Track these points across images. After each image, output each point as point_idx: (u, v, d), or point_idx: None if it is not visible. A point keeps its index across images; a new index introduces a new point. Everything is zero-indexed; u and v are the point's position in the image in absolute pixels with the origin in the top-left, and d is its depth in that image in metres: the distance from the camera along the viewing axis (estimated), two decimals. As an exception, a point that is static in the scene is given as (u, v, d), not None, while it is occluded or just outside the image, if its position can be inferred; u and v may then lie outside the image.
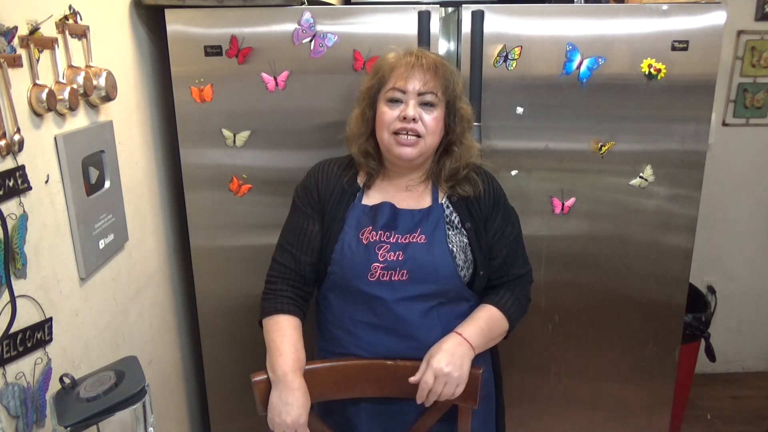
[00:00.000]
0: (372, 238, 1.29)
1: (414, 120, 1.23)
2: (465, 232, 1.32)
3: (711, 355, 2.33)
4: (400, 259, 1.27)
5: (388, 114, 1.26)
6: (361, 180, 1.36)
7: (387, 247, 1.28)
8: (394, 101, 1.26)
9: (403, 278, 1.28)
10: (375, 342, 1.32)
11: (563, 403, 1.86)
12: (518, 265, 1.38)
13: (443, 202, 1.33)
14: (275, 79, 1.56)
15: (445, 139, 1.31)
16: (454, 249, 1.30)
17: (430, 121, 1.25)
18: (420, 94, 1.24)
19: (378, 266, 1.28)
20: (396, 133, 1.25)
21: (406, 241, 1.29)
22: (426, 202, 1.34)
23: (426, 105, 1.25)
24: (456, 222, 1.32)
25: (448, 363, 1.23)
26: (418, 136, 1.25)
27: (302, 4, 1.54)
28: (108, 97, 1.26)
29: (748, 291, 2.79)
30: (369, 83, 1.31)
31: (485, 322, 1.31)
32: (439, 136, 1.29)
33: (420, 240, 1.29)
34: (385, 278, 1.28)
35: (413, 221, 1.30)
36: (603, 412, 1.87)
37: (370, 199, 1.34)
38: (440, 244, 1.29)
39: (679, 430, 2.31)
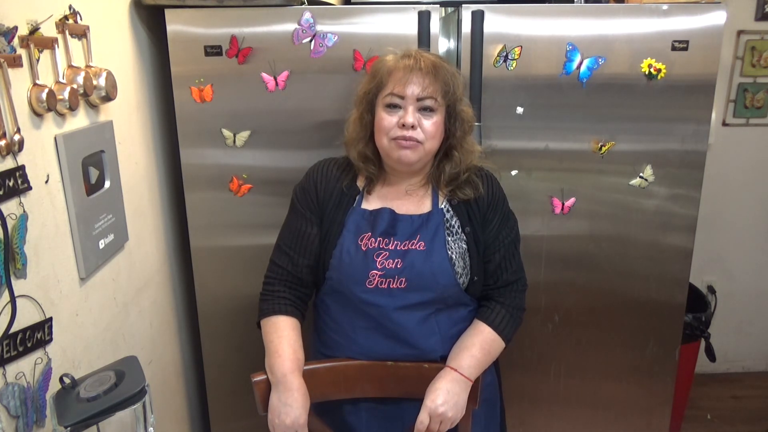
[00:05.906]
0: (371, 245, 1.28)
1: (413, 127, 1.21)
2: (464, 237, 1.31)
3: (711, 355, 2.33)
4: (398, 266, 1.26)
5: (386, 120, 1.23)
6: (360, 183, 1.34)
7: (386, 254, 1.27)
8: (392, 107, 1.23)
9: (402, 286, 1.26)
10: (373, 347, 1.31)
11: (563, 403, 1.86)
12: (512, 270, 1.35)
13: (443, 206, 1.32)
14: (275, 79, 1.56)
15: (445, 142, 1.29)
16: (453, 256, 1.28)
17: (430, 126, 1.23)
18: (419, 99, 1.21)
19: (376, 274, 1.26)
20: (395, 138, 1.23)
21: (405, 248, 1.27)
22: (426, 206, 1.32)
23: (425, 110, 1.22)
24: (456, 227, 1.31)
25: (443, 402, 1.23)
26: (418, 141, 1.23)
27: (302, 4, 1.54)
28: (108, 97, 1.26)
29: (748, 291, 2.79)
30: (366, 87, 1.28)
31: (479, 349, 1.29)
32: (439, 141, 1.27)
33: (419, 247, 1.27)
34: (383, 286, 1.26)
35: (413, 227, 1.29)
36: (603, 412, 1.87)
37: (370, 203, 1.32)
38: (439, 252, 1.27)
39: (679, 430, 2.31)
